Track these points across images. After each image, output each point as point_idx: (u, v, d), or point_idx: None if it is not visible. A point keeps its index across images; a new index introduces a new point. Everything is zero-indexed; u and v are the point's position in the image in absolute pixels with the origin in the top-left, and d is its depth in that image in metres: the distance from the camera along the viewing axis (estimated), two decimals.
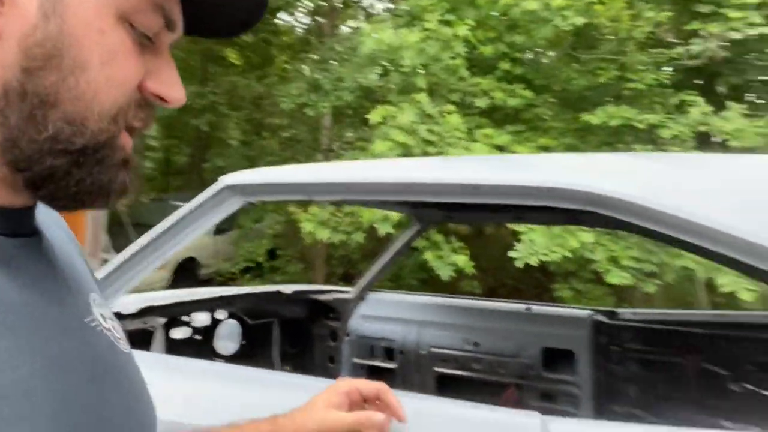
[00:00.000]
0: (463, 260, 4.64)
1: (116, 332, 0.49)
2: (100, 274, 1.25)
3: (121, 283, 1.24)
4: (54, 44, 0.37)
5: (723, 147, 4.50)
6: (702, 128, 4.43)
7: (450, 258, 4.67)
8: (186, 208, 1.22)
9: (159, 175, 12.13)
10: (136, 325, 1.63)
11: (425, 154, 4.34)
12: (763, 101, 5.32)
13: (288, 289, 2.43)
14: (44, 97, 0.37)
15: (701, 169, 1.00)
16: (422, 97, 4.28)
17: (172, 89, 0.43)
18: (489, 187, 0.94)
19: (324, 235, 4.94)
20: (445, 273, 4.55)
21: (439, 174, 1.00)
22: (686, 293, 5.22)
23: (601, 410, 2.10)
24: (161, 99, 0.43)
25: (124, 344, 0.49)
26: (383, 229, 4.24)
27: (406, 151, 4.29)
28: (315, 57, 7.31)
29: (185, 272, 7.20)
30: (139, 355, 1.22)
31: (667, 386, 2.05)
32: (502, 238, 6.46)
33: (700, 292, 4.89)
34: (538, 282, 6.38)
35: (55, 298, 0.42)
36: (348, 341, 2.53)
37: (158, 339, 1.75)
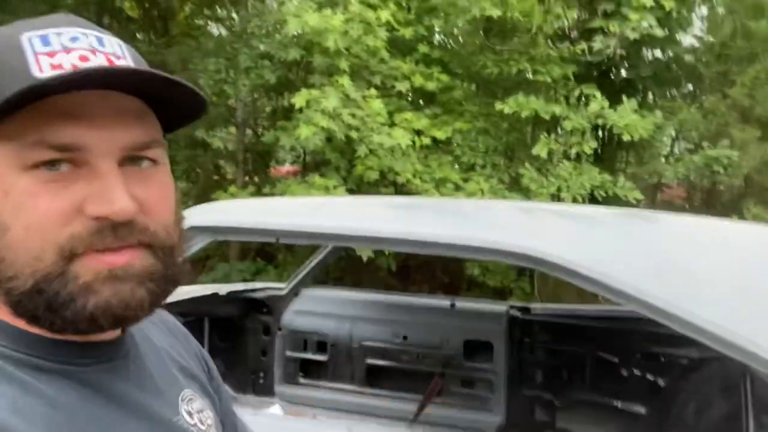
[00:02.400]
0: None
1: (202, 425, 0.56)
2: None
3: None
4: None
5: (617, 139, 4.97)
6: (599, 121, 4.86)
7: None
8: None
9: None
10: None
11: (348, 138, 4.41)
12: (652, 97, 5.89)
13: (224, 289, 2.46)
14: None
15: (627, 233, 1.20)
16: (345, 80, 4.32)
17: (110, 205, 0.44)
18: (442, 245, 1.07)
19: None
20: (365, 254, 4.71)
21: (398, 227, 1.11)
22: None
23: (513, 394, 2.37)
24: (102, 218, 0.44)
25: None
26: None
27: (329, 135, 4.33)
28: (221, 14, 6.99)
29: None
30: None
31: (569, 372, 2.35)
32: None
33: None
34: (448, 258, 6.74)
35: (140, 410, 0.50)
36: (280, 335, 2.61)
37: None
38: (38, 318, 0.45)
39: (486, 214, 1.42)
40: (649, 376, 2.18)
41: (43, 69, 0.43)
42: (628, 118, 4.60)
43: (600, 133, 5.34)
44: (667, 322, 0.96)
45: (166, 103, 0.48)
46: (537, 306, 2.47)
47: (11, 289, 0.44)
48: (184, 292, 2.35)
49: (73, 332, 0.46)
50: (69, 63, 0.44)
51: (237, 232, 1.21)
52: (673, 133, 5.89)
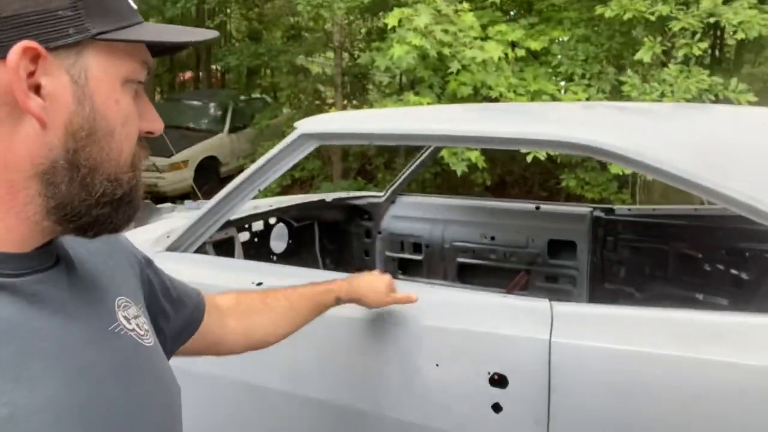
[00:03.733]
0: (475, 155, 4.96)
1: (140, 329, 0.57)
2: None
3: (212, 226, 1.58)
4: (91, 124, 0.47)
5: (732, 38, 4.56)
6: (711, 20, 4.49)
7: (464, 154, 4.98)
8: (266, 156, 1.53)
9: (163, 72, 12.01)
10: (220, 236, 2.03)
11: (440, 55, 4.48)
12: None
13: (329, 197, 2.81)
14: (91, 166, 0.48)
15: (675, 121, 1.30)
16: None
17: (155, 124, 0.53)
18: (516, 139, 1.26)
19: None
20: (459, 168, 4.88)
21: (478, 126, 1.31)
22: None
23: (596, 288, 2.54)
24: (148, 133, 0.53)
25: (148, 339, 0.57)
26: None
27: (422, 53, 4.43)
28: None
29: (206, 170, 7.57)
30: (219, 262, 1.58)
31: (652, 268, 2.47)
32: None
33: None
34: (545, 171, 6.71)
35: (80, 317, 0.50)
36: (380, 238, 2.95)
37: (236, 245, 2.16)
38: (95, 223, 0.50)
39: (553, 113, 1.57)
40: (733, 271, 2.25)
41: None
42: (743, 14, 4.22)
43: (713, 33, 4.92)
44: (698, 192, 1.10)
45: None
46: (621, 208, 2.57)
47: (114, 189, 0.49)
48: (294, 199, 2.73)
49: (109, 231, 0.51)
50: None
51: (341, 137, 1.47)
52: None
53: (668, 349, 1.00)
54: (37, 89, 0.45)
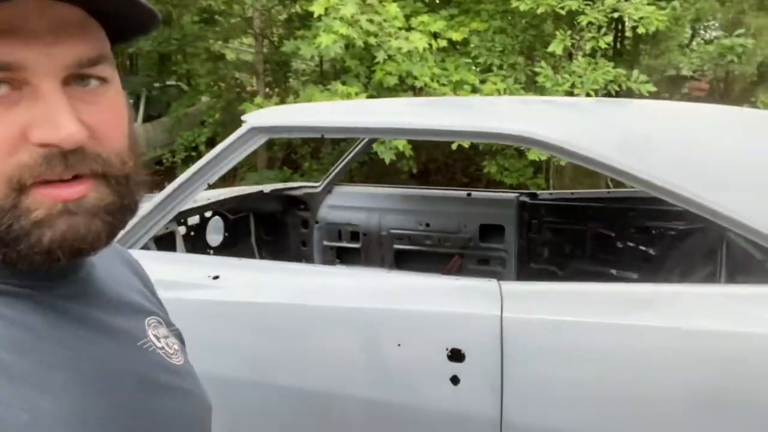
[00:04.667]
0: (402, 144, 5.10)
1: (169, 348, 0.55)
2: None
3: (161, 221, 1.57)
4: None
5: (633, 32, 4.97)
6: (615, 15, 4.87)
7: (391, 143, 5.09)
8: (215, 150, 1.54)
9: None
10: (162, 230, 1.99)
11: (366, 45, 4.54)
12: None
13: (267, 188, 2.81)
14: None
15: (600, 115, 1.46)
16: None
17: (57, 131, 0.39)
18: (457, 132, 1.35)
19: None
20: (387, 156, 4.99)
21: (425, 121, 1.40)
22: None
23: (523, 268, 2.74)
24: (44, 145, 0.40)
25: (177, 358, 0.55)
26: None
27: (348, 43, 4.47)
28: None
29: None
30: (163, 257, 1.58)
31: (571, 247, 2.70)
32: None
33: None
34: (467, 158, 6.98)
35: (108, 330, 0.49)
36: (317, 228, 2.99)
37: (178, 239, 2.13)
38: None
39: (490, 107, 1.69)
40: (642, 247, 2.52)
41: None
42: (643, 11, 4.61)
43: (615, 26, 5.34)
44: (621, 178, 1.25)
45: (111, 15, 0.43)
46: (544, 192, 2.77)
47: None
48: (231, 191, 2.71)
49: (28, 265, 0.42)
50: None
51: (291, 130, 1.50)
52: (688, 30, 5.82)
53: (603, 317, 1.15)
54: None
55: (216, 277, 1.42)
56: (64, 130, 0.39)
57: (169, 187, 1.56)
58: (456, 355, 1.20)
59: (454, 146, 4.75)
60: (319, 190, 2.98)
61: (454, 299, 1.26)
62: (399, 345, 1.23)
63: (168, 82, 8.79)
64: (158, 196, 1.57)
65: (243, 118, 1.56)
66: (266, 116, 1.57)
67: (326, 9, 4.35)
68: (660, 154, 1.24)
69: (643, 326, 1.12)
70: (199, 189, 1.57)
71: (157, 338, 0.54)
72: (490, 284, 1.26)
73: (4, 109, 0.39)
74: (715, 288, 1.38)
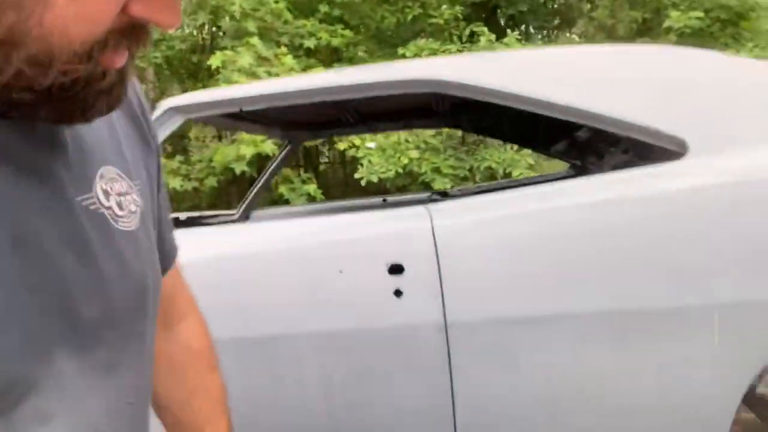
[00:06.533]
0: (312, 188, 5.21)
1: (119, 208, 0.47)
2: None
3: None
4: None
5: None
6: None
7: (302, 188, 5.19)
8: None
9: None
10: None
11: None
12: (534, 29, 6.56)
13: (182, 216, 2.75)
14: (4, 38, 0.34)
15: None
16: (256, 41, 4.60)
17: (163, 13, 0.37)
18: (370, 84, 1.48)
19: (174, 184, 5.10)
20: (299, 202, 5.06)
21: (347, 78, 1.51)
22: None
23: None
24: (144, 22, 0.38)
25: (127, 221, 0.48)
26: (239, 168, 4.58)
27: None
28: None
29: None
30: None
31: None
32: (346, 164, 7.09)
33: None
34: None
35: (45, 180, 0.42)
36: None
37: None
38: (16, 107, 0.38)
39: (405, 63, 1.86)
40: None
41: None
42: (514, 50, 5.19)
43: None
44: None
45: None
46: (453, 190, 2.95)
47: (34, 76, 0.35)
48: None
49: (39, 121, 0.40)
50: None
51: (207, 107, 1.54)
52: None
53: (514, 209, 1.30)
54: None
55: None
56: (173, 17, 0.38)
57: None
58: (396, 269, 1.27)
59: (363, 182, 4.92)
60: (236, 217, 2.97)
61: (389, 220, 1.35)
62: (341, 272, 1.27)
63: None
64: None
65: (158, 104, 1.59)
66: (182, 98, 1.61)
67: (223, 62, 4.49)
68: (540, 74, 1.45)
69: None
70: None
71: (107, 194, 0.46)
72: (418, 207, 1.36)
73: None
74: None
